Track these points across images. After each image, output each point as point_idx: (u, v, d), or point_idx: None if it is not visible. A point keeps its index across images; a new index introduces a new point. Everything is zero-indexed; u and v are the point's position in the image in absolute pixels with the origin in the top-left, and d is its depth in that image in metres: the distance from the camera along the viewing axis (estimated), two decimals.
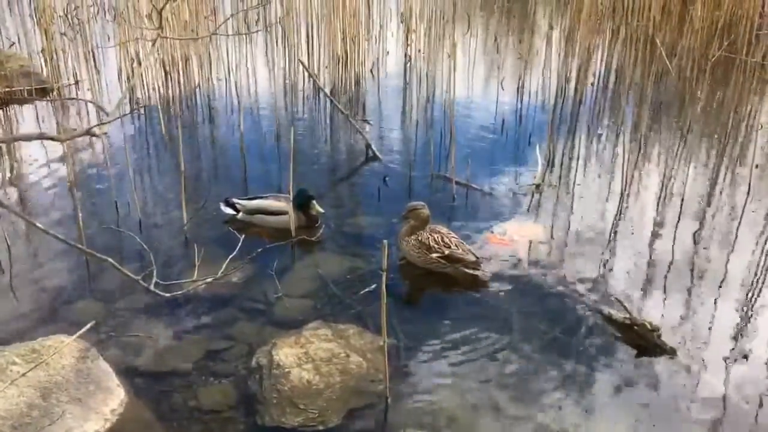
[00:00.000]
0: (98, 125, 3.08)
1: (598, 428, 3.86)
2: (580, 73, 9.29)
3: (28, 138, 3.07)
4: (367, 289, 4.96)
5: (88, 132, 2.99)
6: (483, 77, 9.87)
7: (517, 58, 10.62)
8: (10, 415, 3.58)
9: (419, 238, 5.19)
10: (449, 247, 5.11)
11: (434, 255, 5.11)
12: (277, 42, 10.43)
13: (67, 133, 3.21)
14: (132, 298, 4.82)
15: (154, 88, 8.91)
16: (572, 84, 9.26)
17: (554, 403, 4.02)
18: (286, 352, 4.18)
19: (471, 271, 5.12)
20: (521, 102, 8.86)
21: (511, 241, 5.67)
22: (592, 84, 9.51)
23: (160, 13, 3.35)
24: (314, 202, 5.71)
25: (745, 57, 9.65)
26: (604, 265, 5.35)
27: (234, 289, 4.97)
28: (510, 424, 3.87)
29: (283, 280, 5.06)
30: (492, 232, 5.79)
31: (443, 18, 10.44)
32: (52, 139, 3.17)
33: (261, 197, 5.87)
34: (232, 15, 8.87)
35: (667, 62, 9.27)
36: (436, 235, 5.17)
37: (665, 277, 5.21)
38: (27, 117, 8.22)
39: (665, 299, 4.95)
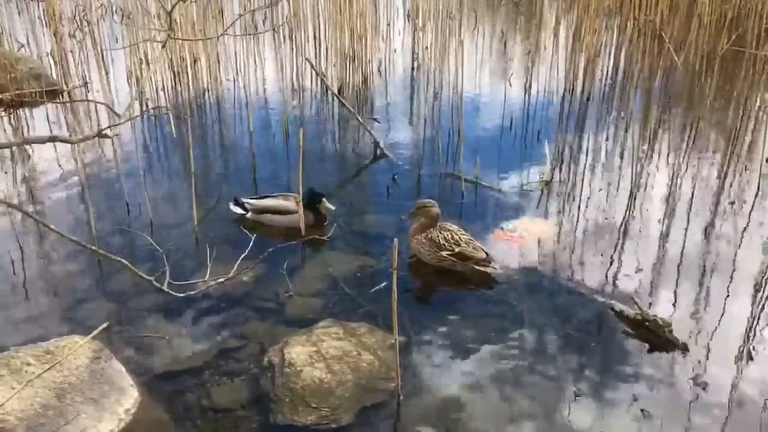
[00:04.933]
0: (110, 127, 3.10)
1: (609, 424, 3.87)
2: (588, 68, 9.26)
3: (40, 141, 3.09)
4: (377, 287, 4.98)
5: (100, 134, 3.01)
6: (491, 74, 9.85)
7: (524, 54, 10.60)
8: (26, 415, 3.62)
9: (429, 236, 5.19)
10: (459, 245, 5.12)
11: (444, 253, 5.12)
12: (284, 41, 10.46)
13: (79, 136, 3.23)
14: (144, 299, 4.86)
15: (163, 89, 8.94)
16: (580, 80, 9.23)
17: (566, 399, 4.02)
18: (297, 351, 4.19)
19: (481, 268, 5.12)
20: (529, 98, 8.85)
21: (520, 237, 5.67)
22: (600, 79, 9.48)
23: (170, 15, 3.36)
24: (324, 200, 5.73)
25: (754, 51, 9.59)
26: (615, 261, 5.34)
27: (245, 289, 5.00)
28: (522, 421, 3.88)
29: (294, 279, 5.08)
30: (502, 229, 5.80)
31: (450, 15, 10.42)
32: (63, 141, 3.19)
33: (269, 197, 5.90)
34: (240, 15, 8.88)
35: (675, 57, 9.23)
36: (446, 233, 5.17)
37: (676, 272, 5.20)
38: (37, 119, 8.27)
39: (676, 295, 4.94)
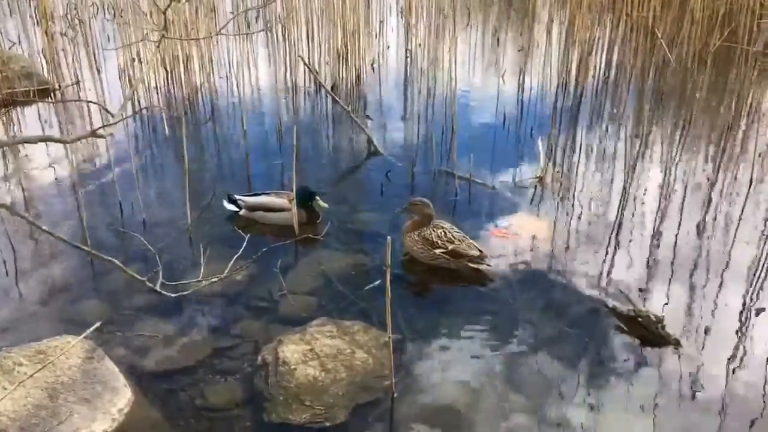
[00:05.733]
0: (103, 127, 3.09)
1: (602, 420, 3.88)
2: (581, 65, 9.27)
3: (33, 140, 3.09)
4: (371, 285, 4.97)
5: (94, 133, 3.00)
6: (484, 71, 9.85)
7: (517, 51, 10.60)
8: (18, 416, 3.61)
9: (422, 234, 5.20)
10: (453, 243, 5.12)
11: (438, 251, 5.12)
12: (277, 39, 10.43)
13: (72, 135, 3.22)
14: (137, 298, 4.84)
15: (156, 88, 8.91)
16: (573, 76, 9.24)
17: (559, 396, 4.03)
18: (291, 349, 4.19)
19: (475, 266, 5.13)
20: (522, 95, 8.85)
21: (514, 235, 5.68)
22: (593, 76, 9.49)
23: (164, 14, 3.35)
24: (317, 198, 5.73)
25: (746, 46, 9.61)
26: (608, 257, 5.36)
27: (239, 287, 4.99)
28: (515, 418, 3.89)
29: (288, 277, 5.07)
30: (495, 226, 5.80)
31: (443, 12, 10.41)
32: (56, 141, 3.18)
33: (262, 194, 5.89)
34: (234, 15, 8.85)
35: (668, 53, 9.25)
36: (439, 231, 5.17)
37: (669, 268, 5.21)
38: (29, 118, 8.23)
39: (669, 290, 4.96)
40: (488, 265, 5.15)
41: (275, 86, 9.15)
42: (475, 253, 5.12)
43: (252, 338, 4.50)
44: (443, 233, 5.16)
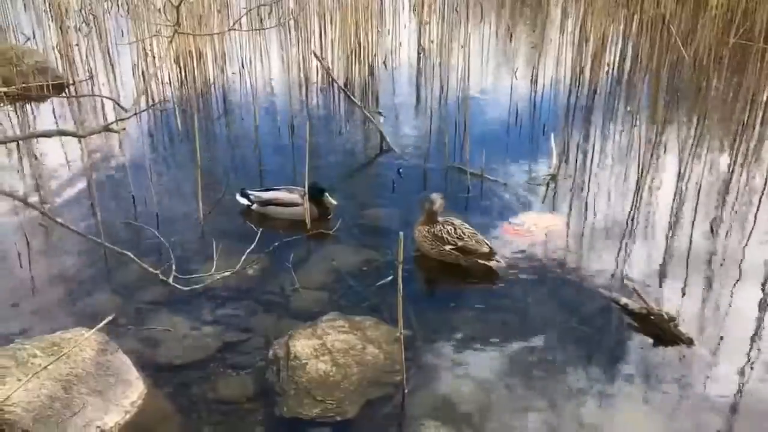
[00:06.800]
0: (117, 121, 3.11)
1: (614, 418, 3.87)
2: (595, 61, 9.22)
3: (48, 134, 3.10)
4: (382, 281, 4.98)
5: (107, 128, 3.01)
6: (497, 67, 9.82)
7: (530, 47, 10.56)
8: (32, 407, 3.63)
9: (432, 230, 5.19)
10: (462, 239, 5.12)
11: (447, 247, 5.11)
12: (290, 35, 10.44)
13: (86, 129, 3.24)
14: (150, 291, 4.87)
15: (169, 83, 8.95)
16: (587, 73, 9.19)
17: (570, 393, 4.02)
18: (303, 344, 4.20)
19: (485, 262, 5.12)
20: (535, 92, 8.82)
21: (527, 231, 5.66)
22: (607, 72, 9.44)
23: (177, 9, 3.36)
24: (327, 194, 5.73)
25: (763, 44, 9.53)
26: (621, 255, 5.33)
27: (251, 282, 5.01)
28: (526, 414, 3.88)
29: (300, 272, 5.08)
30: (508, 223, 5.79)
31: (456, 8, 10.38)
32: (71, 135, 3.20)
33: (274, 189, 5.91)
34: (247, 11, 8.87)
35: (683, 50, 9.18)
36: (449, 227, 5.17)
37: (682, 266, 5.18)
38: (43, 113, 8.29)
39: (682, 289, 4.93)
40: (498, 261, 5.14)
41: (288, 82, 9.15)
42: (485, 249, 5.11)
43: (263, 332, 4.51)
44: (453, 229, 5.15)
